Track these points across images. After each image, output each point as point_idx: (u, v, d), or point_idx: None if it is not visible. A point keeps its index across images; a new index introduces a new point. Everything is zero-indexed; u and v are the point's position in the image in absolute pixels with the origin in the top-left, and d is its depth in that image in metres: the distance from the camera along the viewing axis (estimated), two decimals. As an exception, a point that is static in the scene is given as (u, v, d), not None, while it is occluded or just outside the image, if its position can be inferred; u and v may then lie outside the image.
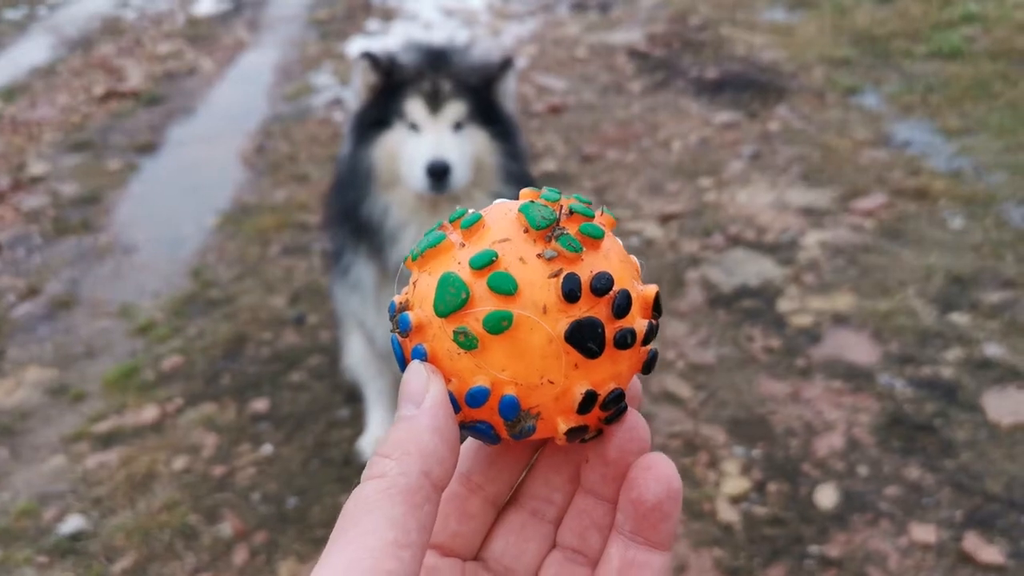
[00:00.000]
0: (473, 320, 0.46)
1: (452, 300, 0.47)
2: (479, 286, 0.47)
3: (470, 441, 0.55)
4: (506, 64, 2.14)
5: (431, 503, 0.44)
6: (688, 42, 6.11)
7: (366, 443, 2.61)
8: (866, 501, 2.35)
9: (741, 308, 3.20)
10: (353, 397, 2.81)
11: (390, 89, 2.10)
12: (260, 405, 2.85)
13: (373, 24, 6.97)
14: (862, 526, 2.28)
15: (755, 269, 3.41)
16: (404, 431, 0.45)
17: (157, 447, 2.70)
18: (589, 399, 0.48)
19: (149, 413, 2.84)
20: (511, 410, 0.47)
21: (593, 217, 0.50)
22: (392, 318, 0.51)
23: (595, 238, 0.49)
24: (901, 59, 5.45)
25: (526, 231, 0.48)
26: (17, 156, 4.92)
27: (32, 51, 6.98)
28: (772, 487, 2.42)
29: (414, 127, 2.06)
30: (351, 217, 2.17)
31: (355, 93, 2.18)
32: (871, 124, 4.63)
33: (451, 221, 0.52)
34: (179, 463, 2.63)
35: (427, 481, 0.44)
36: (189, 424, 2.79)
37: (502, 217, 0.50)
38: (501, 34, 6.54)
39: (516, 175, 2.17)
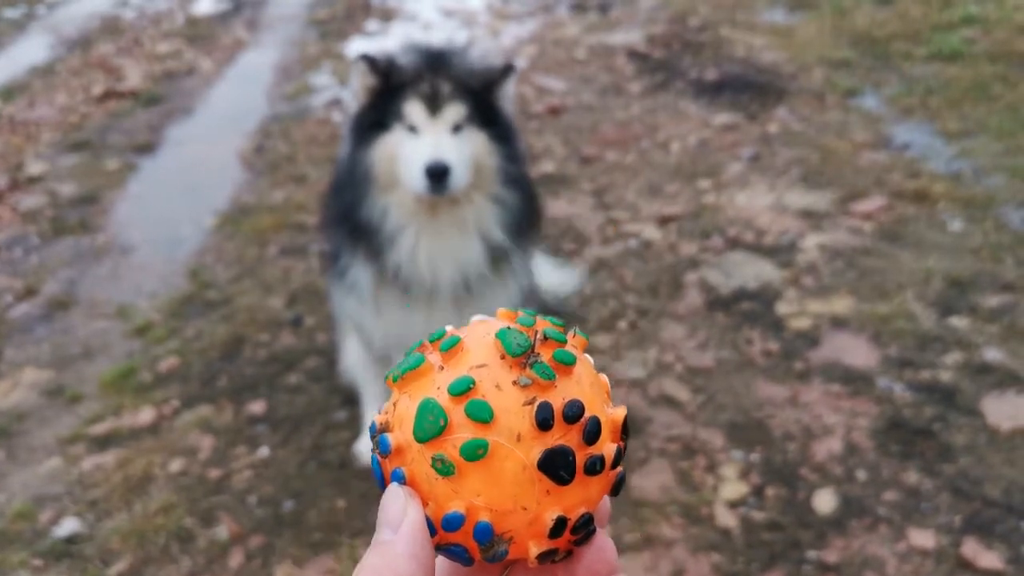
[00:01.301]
0: (451, 447, 0.48)
1: (431, 427, 0.49)
2: (457, 413, 0.49)
3: (443, 559, 0.56)
4: (507, 68, 2.13)
5: None
6: (688, 43, 6.10)
7: (363, 446, 2.60)
8: (864, 506, 2.34)
9: (740, 311, 3.19)
10: (350, 399, 2.80)
11: (389, 91, 2.09)
12: (257, 407, 2.85)
13: (372, 24, 6.96)
14: (860, 531, 2.27)
15: (754, 272, 3.41)
16: (380, 556, 0.47)
17: (153, 449, 2.69)
18: (560, 524, 0.50)
19: (145, 415, 2.84)
20: (485, 536, 0.49)
21: (566, 342, 0.53)
22: (372, 438, 0.53)
23: (567, 364, 0.51)
24: (901, 61, 5.44)
25: (502, 357, 0.50)
26: (15, 156, 4.92)
27: (31, 50, 6.97)
28: (770, 491, 2.41)
29: (413, 129, 2.05)
30: (349, 219, 2.16)
31: (353, 95, 2.18)
32: (871, 126, 4.62)
33: (431, 341, 0.54)
34: (175, 465, 2.62)
35: None
36: (185, 426, 2.78)
37: (480, 341, 0.52)
38: (500, 35, 6.53)
39: (515, 177, 2.16)
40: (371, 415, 2.62)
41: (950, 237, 3.53)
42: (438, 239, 2.13)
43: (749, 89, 5.19)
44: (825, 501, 2.37)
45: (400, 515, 0.48)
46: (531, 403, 0.49)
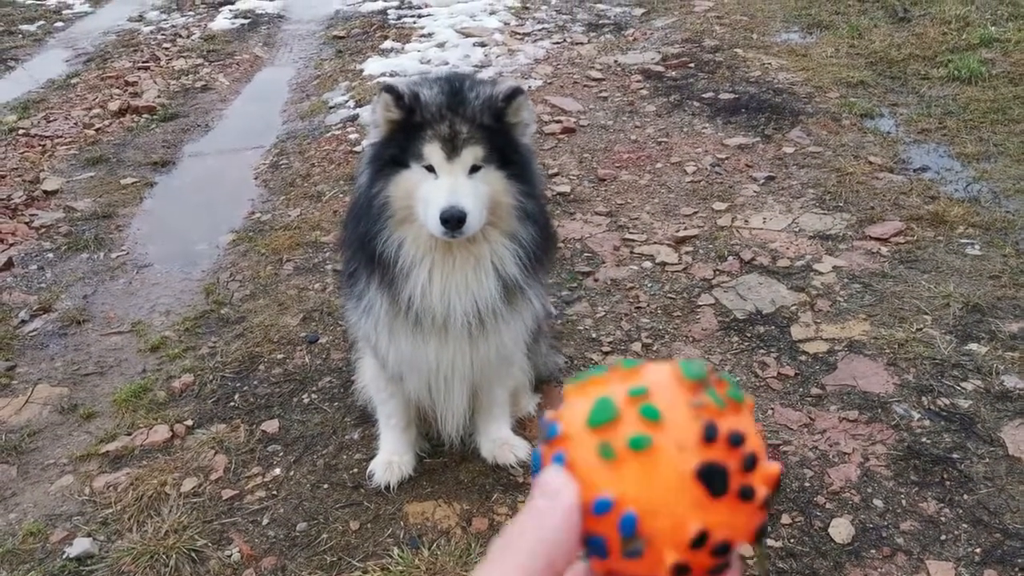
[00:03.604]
0: (618, 436, 0.52)
1: (604, 415, 0.53)
2: (630, 411, 0.53)
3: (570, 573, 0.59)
4: (513, 95, 2.10)
5: None
6: (703, 64, 6.10)
7: (377, 465, 2.59)
8: (882, 535, 2.31)
9: (755, 334, 3.17)
10: (364, 419, 2.79)
11: (409, 126, 2.09)
12: (271, 426, 2.84)
13: (389, 43, 6.98)
14: (878, 561, 2.24)
15: (769, 295, 3.38)
16: (534, 518, 0.51)
17: (166, 468, 2.68)
18: (702, 537, 0.51)
19: (159, 433, 2.83)
20: (629, 526, 0.51)
21: (737, 387, 0.57)
22: (542, 428, 0.57)
23: (738, 401, 0.55)
24: (918, 82, 5.43)
25: (680, 380, 0.55)
26: (31, 171, 4.94)
27: (48, 65, 7.03)
28: (786, 519, 2.38)
29: (431, 169, 2.06)
30: (365, 247, 2.17)
31: (373, 123, 2.18)
32: (887, 148, 4.60)
33: (613, 366, 0.58)
34: (188, 485, 2.61)
35: (551, 571, 0.50)
36: (199, 445, 2.78)
37: (659, 368, 0.57)
38: (516, 54, 6.54)
39: (530, 213, 2.16)
40: (386, 435, 2.61)
41: (968, 262, 3.50)
42: (452, 274, 2.13)
43: (764, 110, 5.18)
44: (842, 529, 2.34)
45: (559, 489, 0.52)
46: (699, 419, 0.52)
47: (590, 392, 0.55)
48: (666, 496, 0.51)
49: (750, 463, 0.53)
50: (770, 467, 0.55)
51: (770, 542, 2.31)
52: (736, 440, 0.52)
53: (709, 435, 0.52)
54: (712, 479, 0.51)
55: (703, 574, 0.53)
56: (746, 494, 0.52)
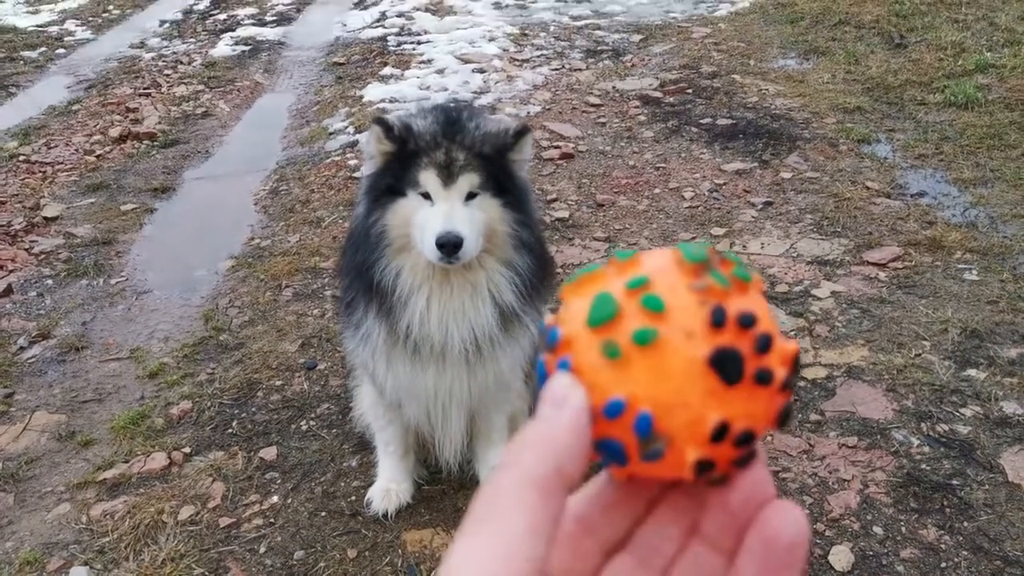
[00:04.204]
0: (621, 333, 0.48)
1: (603, 312, 0.49)
2: (631, 304, 0.49)
3: (589, 486, 0.56)
4: (521, 132, 2.14)
5: (561, 498, 0.46)
6: (700, 90, 6.14)
7: (375, 493, 2.58)
8: (882, 563, 2.30)
9: (754, 360, 3.16)
10: (362, 447, 2.79)
11: (404, 156, 2.11)
12: (268, 454, 2.83)
13: (388, 69, 7.03)
14: (879, 589, 2.23)
15: (768, 320, 3.38)
16: (543, 428, 0.48)
17: (164, 496, 2.67)
18: (722, 430, 0.48)
19: (156, 461, 2.82)
20: (645, 427, 0.48)
21: (743, 266, 0.52)
22: (541, 334, 0.54)
23: (744, 281, 0.50)
24: (915, 108, 5.46)
25: (680, 264, 0.50)
26: (32, 197, 4.96)
27: (49, 91, 7.07)
28: (786, 547, 2.37)
29: (427, 196, 2.08)
30: (363, 277, 2.18)
31: (369, 156, 2.20)
32: (884, 173, 4.62)
33: (608, 259, 0.54)
34: (185, 513, 2.60)
35: (559, 476, 0.46)
36: (197, 473, 2.77)
37: (658, 254, 0.52)
38: (515, 80, 6.58)
39: (527, 242, 2.17)
40: (384, 462, 2.61)
41: (966, 287, 3.51)
42: (450, 301, 2.14)
43: (762, 136, 5.21)
44: (841, 558, 2.33)
45: (564, 395, 0.49)
46: (704, 304, 0.48)
47: (588, 290, 0.52)
48: (680, 390, 0.48)
49: (764, 344, 0.49)
50: (787, 346, 0.51)
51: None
52: (746, 321, 0.48)
53: (717, 319, 0.48)
54: (725, 366, 0.47)
55: (728, 466, 0.50)
56: (763, 378, 0.48)
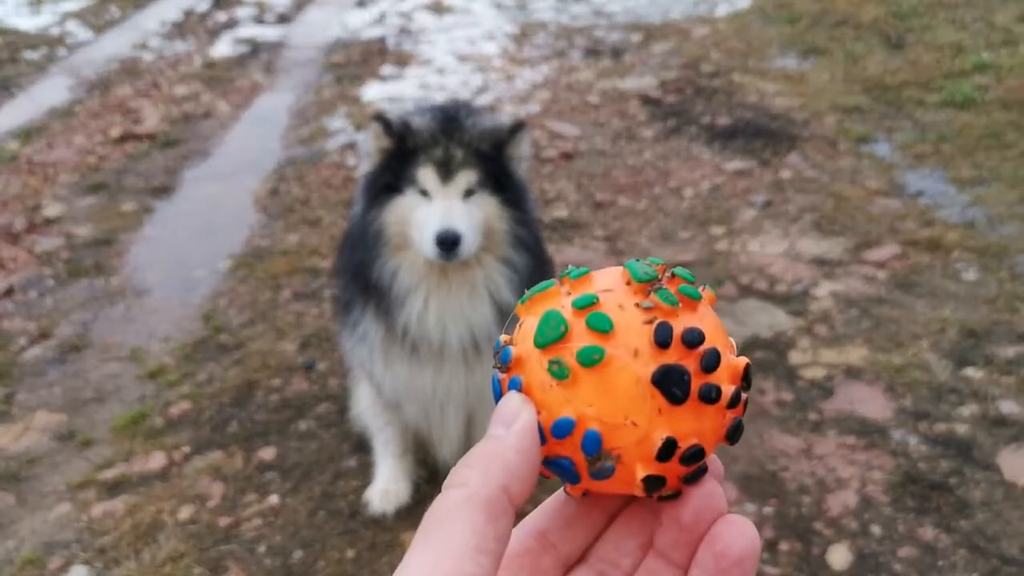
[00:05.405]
0: (568, 353, 0.49)
1: (551, 332, 0.50)
2: (578, 323, 0.50)
3: (549, 500, 0.57)
4: (517, 126, 2.15)
5: (508, 517, 0.47)
6: (700, 89, 6.14)
7: (374, 493, 2.59)
8: (880, 562, 2.31)
9: (752, 360, 3.16)
10: (361, 447, 2.79)
11: (402, 154, 2.11)
12: (267, 454, 2.84)
13: (388, 69, 7.03)
14: (876, 588, 2.24)
15: (767, 320, 3.39)
16: (491, 448, 0.49)
17: (163, 496, 2.68)
18: (669, 447, 0.49)
19: (156, 461, 2.83)
20: (593, 445, 0.49)
21: (694, 283, 0.54)
22: (496, 354, 0.54)
23: (692, 298, 0.52)
24: (913, 108, 5.46)
25: (628, 283, 0.52)
26: (33, 197, 4.96)
27: (50, 92, 7.06)
28: (784, 546, 2.38)
29: (425, 194, 2.08)
30: (360, 276, 2.18)
31: (367, 154, 2.20)
32: (883, 173, 4.63)
33: (560, 277, 0.55)
34: (185, 513, 2.61)
35: (506, 495, 0.47)
36: (196, 472, 2.78)
37: (608, 272, 0.54)
38: (514, 80, 6.58)
39: (525, 240, 2.18)
40: (383, 463, 2.61)
41: (964, 286, 3.51)
42: (448, 300, 2.14)
43: (761, 135, 5.22)
44: (840, 557, 2.33)
45: (514, 415, 0.50)
46: (651, 323, 0.49)
47: (538, 308, 0.53)
48: (626, 409, 0.49)
49: (710, 361, 0.49)
50: (736, 361, 0.53)
51: (769, 570, 2.31)
52: (692, 339, 0.49)
53: (662, 338, 0.49)
54: (669, 384, 0.48)
55: (679, 482, 0.51)
56: (709, 395, 0.49)
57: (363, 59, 7.44)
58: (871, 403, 2.91)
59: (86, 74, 7.47)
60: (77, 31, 9.15)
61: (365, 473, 2.71)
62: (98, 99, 6.77)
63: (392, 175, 2.11)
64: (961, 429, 2.75)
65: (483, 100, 6.11)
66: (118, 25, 9.14)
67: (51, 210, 4.78)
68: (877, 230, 4.02)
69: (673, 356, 0.49)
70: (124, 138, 5.85)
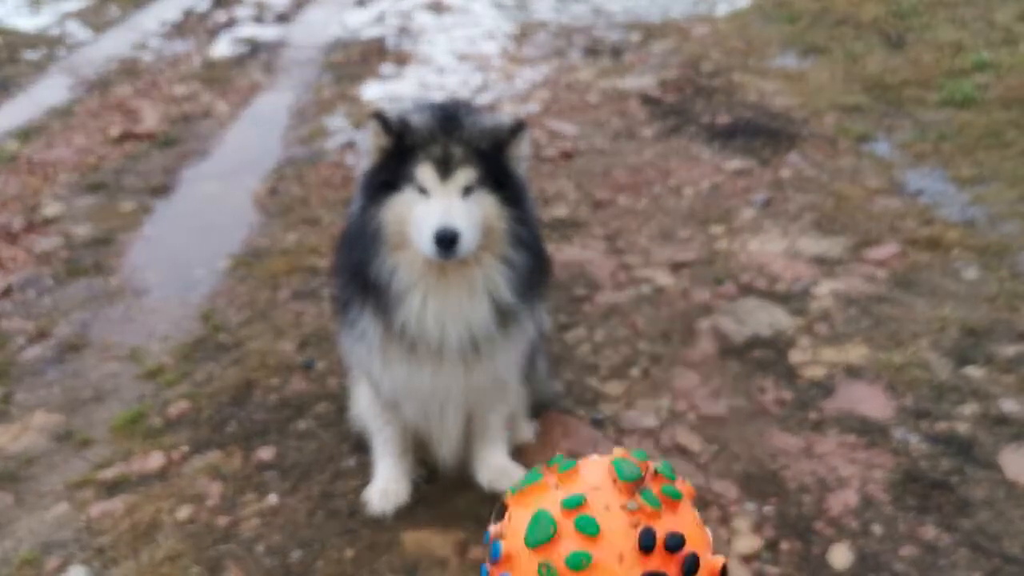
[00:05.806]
0: (557, 556, 0.52)
1: (541, 534, 0.53)
2: (567, 525, 0.53)
3: None
4: (518, 127, 2.14)
5: None
6: (700, 88, 6.13)
7: (373, 493, 2.58)
8: (881, 562, 2.30)
9: (752, 359, 3.17)
10: (360, 446, 2.78)
11: (401, 152, 2.10)
12: (266, 453, 2.83)
13: (387, 68, 7.02)
14: (877, 587, 2.23)
15: (767, 319, 3.39)
16: None
17: (162, 496, 2.67)
18: None
19: (155, 460, 2.82)
20: None
21: (675, 481, 0.58)
22: (486, 546, 0.57)
23: (674, 499, 0.56)
24: (913, 107, 5.45)
25: (614, 482, 0.55)
26: (32, 197, 4.95)
27: (50, 92, 7.05)
28: (784, 546, 2.37)
29: (424, 191, 2.07)
30: (359, 275, 2.17)
31: (366, 152, 2.19)
32: (883, 172, 4.62)
33: (549, 465, 0.59)
34: (183, 512, 2.60)
35: None
36: (194, 472, 2.77)
37: (595, 466, 0.57)
38: (514, 79, 6.58)
39: (524, 239, 2.17)
40: (382, 462, 2.60)
41: (965, 285, 3.50)
42: (446, 299, 2.13)
43: (761, 134, 5.21)
44: (841, 556, 2.33)
45: None
46: (636, 527, 0.53)
47: (530, 502, 0.56)
48: None
49: (690, 567, 0.53)
50: (713, 561, 0.55)
51: (770, 569, 2.30)
52: (673, 544, 0.52)
53: (646, 544, 0.52)
54: None
55: None
56: None
57: (362, 58, 7.43)
58: (871, 402, 2.90)
59: (85, 74, 7.46)
60: (77, 31, 9.14)
61: (364, 473, 2.70)
62: (97, 99, 6.76)
63: (391, 173, 2.10)
64: (962, 428, 2.74)
65: (483, 99, 6.10)
66: (118, 25, 9.13)
67: (50, 210, 4.77)
68: (877, 229, 4.01)
69: (656, 561, 0.52)
70: (123, 138, 5.84)
